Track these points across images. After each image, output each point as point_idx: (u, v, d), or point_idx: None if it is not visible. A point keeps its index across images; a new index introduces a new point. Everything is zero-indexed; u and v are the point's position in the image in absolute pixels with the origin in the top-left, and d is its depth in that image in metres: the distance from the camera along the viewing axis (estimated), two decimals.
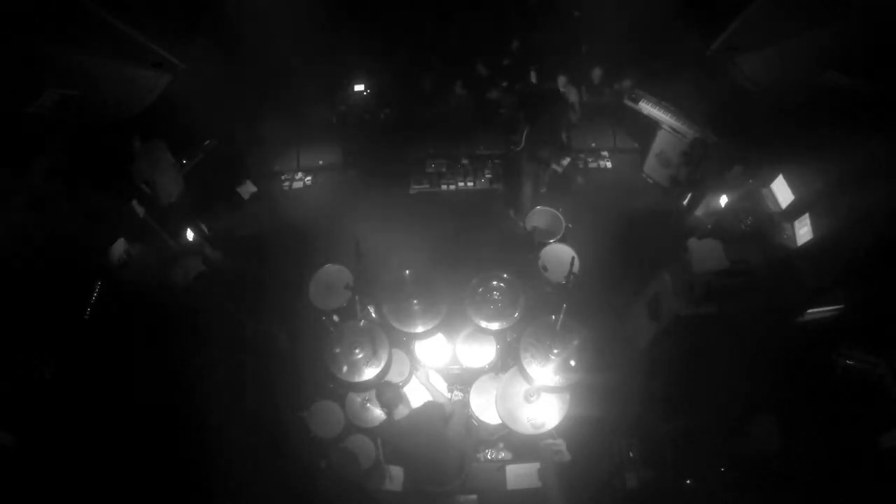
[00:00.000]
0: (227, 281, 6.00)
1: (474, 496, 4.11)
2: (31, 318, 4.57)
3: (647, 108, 6.63)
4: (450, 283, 4.13)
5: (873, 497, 3.85)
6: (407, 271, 4.01)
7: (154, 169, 5.70)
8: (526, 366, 3.58)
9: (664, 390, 4.90)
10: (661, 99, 6.58)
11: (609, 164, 7.56)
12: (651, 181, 7.20)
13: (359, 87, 7.41)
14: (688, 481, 4.45)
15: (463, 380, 4.61)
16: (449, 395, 4.21)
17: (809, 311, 4.72)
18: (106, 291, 5.28)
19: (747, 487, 4.24)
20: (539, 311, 4.04)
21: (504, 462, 4.50)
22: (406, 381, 4.38)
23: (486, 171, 7.42)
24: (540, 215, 5.33)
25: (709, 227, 5.74)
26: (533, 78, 7.14)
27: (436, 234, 6.56)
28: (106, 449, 4.50)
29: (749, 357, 4.75)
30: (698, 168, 6.45)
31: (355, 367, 3.82)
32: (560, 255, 4.73)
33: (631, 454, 4.59)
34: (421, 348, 4.51)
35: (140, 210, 5.56)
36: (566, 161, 7.14)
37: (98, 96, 5.00)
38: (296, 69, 7.36)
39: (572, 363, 3.54)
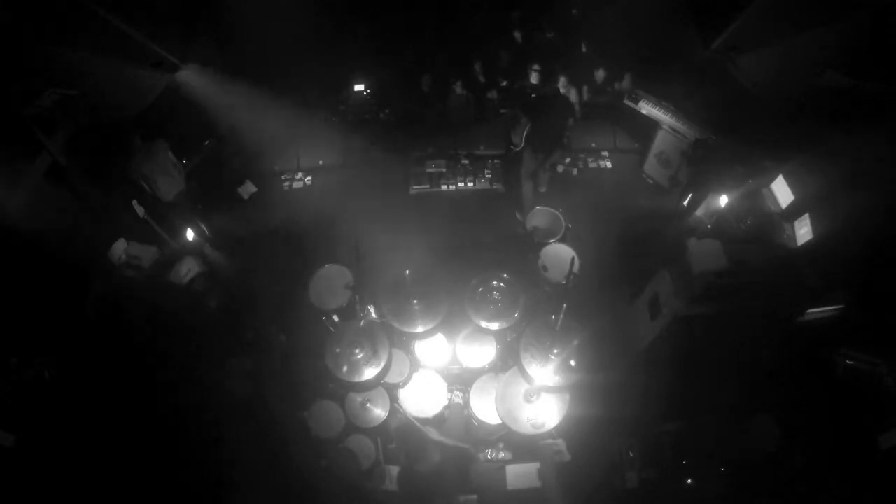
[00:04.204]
0: (227, 281, 6.00)
1: (474, 496, 4.10)
2: (31, 319, 4.57)
3: (647, 108, 6.63)
4: (450, 283, 4.12)
5: (873, 497, 3.85)
6: (407, 271, 4.00)
7: (155, 168, 5.70)
8: (526, 366, 3.57)
9: (664, 390, 4.90)
10: (661, 99, 6.58)
11: (609, 164, 7.55)
12: (651, 181, 7.19)
13: (359, 87, 7.41)
14: (688, 481, 4.45)
15: (463, 380, 4.61)
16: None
17: (809, 311, 4.72)
18: (106, 291, 5.29)
19: (747, 487, 4.24)
20: (539, 311, 4.04)
21: (504, 462, 4.50)
22: (406, 381, 4.39)
23: (486, 171, 7.40)
24: (540, 215, 5.33)
25: (709, 227, 5.74)
26: (534, 79, 7.13)
27: (436, 234, 6.55)
28: (106, 449, 4.50)
29: (749, 356, 4.75)
30: (698, 168, 6.45)
31: (355, 367, 3.81)
32: (560, 255, 4.72)
33: (631, 454, 4.59)
34: (421, 348, 4.51)
35: (140, 210, 5.55)
36: (566, 161, 7.16)
37: (98, 96, 5.01)
38: (296, 69, 7.36)
39: (572, 363, 3.53)
